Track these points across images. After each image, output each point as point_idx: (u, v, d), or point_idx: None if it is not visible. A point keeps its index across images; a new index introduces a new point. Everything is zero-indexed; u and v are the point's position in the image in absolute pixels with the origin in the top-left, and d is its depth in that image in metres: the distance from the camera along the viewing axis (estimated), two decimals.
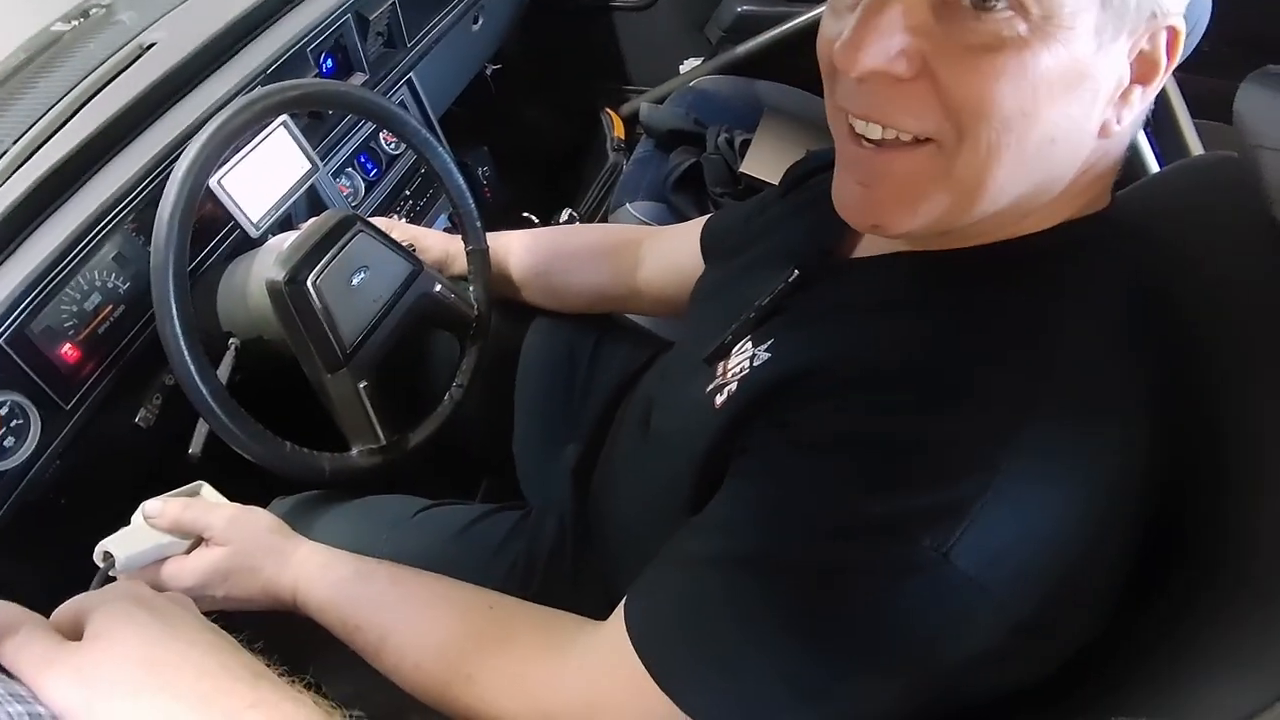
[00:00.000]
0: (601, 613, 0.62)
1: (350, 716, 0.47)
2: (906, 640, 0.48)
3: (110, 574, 0.69)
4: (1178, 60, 0.47)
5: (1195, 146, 1.22)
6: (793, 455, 0.53)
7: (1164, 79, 0.48)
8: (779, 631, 0.50)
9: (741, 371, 0.61)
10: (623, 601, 0.58)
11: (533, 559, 0.86)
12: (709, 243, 0.90)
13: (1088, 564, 0.49)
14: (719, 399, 0.61)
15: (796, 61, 1.65)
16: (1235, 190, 0.59)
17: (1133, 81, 0.48)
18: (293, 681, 0.48)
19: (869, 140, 0.51)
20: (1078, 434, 0.47)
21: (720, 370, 0.64)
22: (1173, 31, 0.47)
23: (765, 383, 0.58)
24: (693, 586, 0.55)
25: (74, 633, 0.48)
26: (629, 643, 0.55)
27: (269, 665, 0.49)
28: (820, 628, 0.49)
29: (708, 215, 0.93)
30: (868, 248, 0.64)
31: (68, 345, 0.80)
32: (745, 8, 1.77)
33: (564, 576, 0.85)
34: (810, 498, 0.51)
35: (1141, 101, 0.49)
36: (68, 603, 0.51)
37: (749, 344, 0.63)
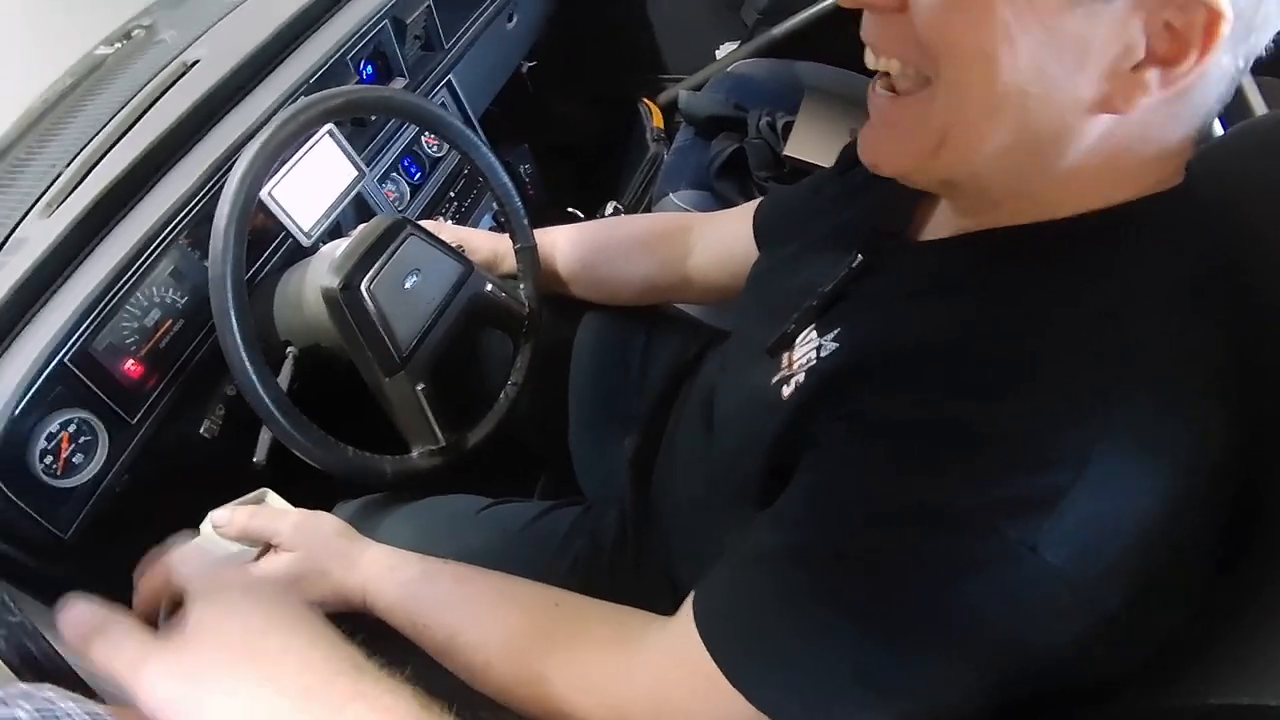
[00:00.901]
0: (667, 604, 0.61)
1: (450, 711, 0.47)
2: (988, 634, 0.46)
3: None
4: (1215, 50, 0.41)
5: (1259, 105, 1.17)
6: (867, 444, 0.51)
7: (1197, 67, 0.42)
8: (851, 625, 0.49)
9: (809, 362, 0.59)
10: (690, 597, 0.58)
11: (595, 553, 0.86)
12: (763, 227, 0.88)
13: (1178, 549, 0.47)
14: (786, 390, 0.59)
15: (835, 40, 1.62)
16: None
17: (1149, 60, 0.43)
18: (393, 674, 0.48)
19: (882, 90, 0.52)
20: (1163, 415, 0.45)
21: (785, 361, 0.62)
22: (1210, 12, 0.40)
23: (834, 373, 0.56)
24: (764, 581, 0.54)
25: (158, 599, 0.48)
26: (698, 639, 0.54)
27: (369, 658, 0.49)
28: (896, 621, 0.48)
29: (759, 199, 0.92)
30: (933, 230, 0.62)
31: (130, 361, 0.82)
32: None
33: (627, 569, 0.85)
34: (888, 486, 0.49)
35: (1162, 86, 0.43)
36: (160, 563, 0.51)
37: (814, 333, 0.61)
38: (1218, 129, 1.14)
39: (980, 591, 0.45)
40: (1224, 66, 0.44)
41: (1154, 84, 0.44)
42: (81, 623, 0.49)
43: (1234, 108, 1.22)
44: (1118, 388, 0.45)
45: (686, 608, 0.57)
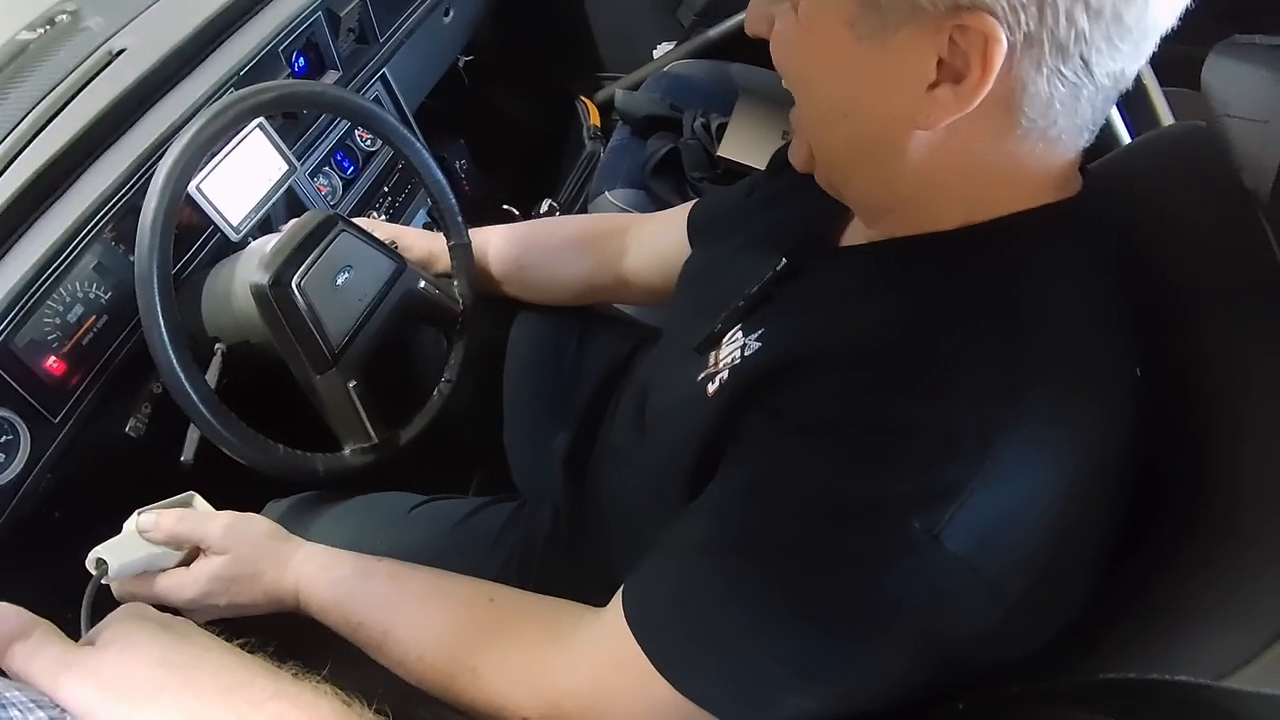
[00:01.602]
0: (601, 599, 0.63)
1: (369, 707, 0.48)
2: (900, 621, 0.48)
3: (103, 581, 0.69)
4: (996, 68, 0.45)
5: (1165, 115, 1.23)
6: (784, 440, 0.54)
7: (984, 83, 0.46)
8: (773, 613, 0.51)
9: (733, 361, 0.61)
10: (621, 589, 0.59)
11: (529, 549, 0.87)
12: (696, 226, 0.90)
13: (1078, 538, 0.50)
14: (711, 387, 0.61)
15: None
16: (1205, 159, 0.60)
17: (942, 78, 0.47)
18: (308, 676, 0.49)
19: None
20: (1064, 410, 0.48)
21: (712, 359, 0.64)
22: (982, 37, 0.44)
23: (756, 371, 0.58)
24: (688, 572, 0.56)
25: None
26: (629, 630, 0.55)
27: (281, 667, 0.50)
28: (813, 608, 0.50)
29: (693, 200, 0.93)
30: (851, 237, 0.65)
31: (53, 358, 0.80)
32: None
33: (561, 565, 0.86)
34: (801, 481, 0.51)
35: (959, 101, 0.47)
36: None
37: (739, 333, 0.63)
38: (1126, 137, 1.20)
39: (895, 580, 0.47)
40: (1043, 83, 0.47)
41: (950, 100, 0.48)
42: (1, 628, 0.48)
43: (1142, 117, 1.28)
44: (1018, 382, 0.47)
45: (617, 600, 0.59)
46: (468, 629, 0.66)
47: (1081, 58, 0.46)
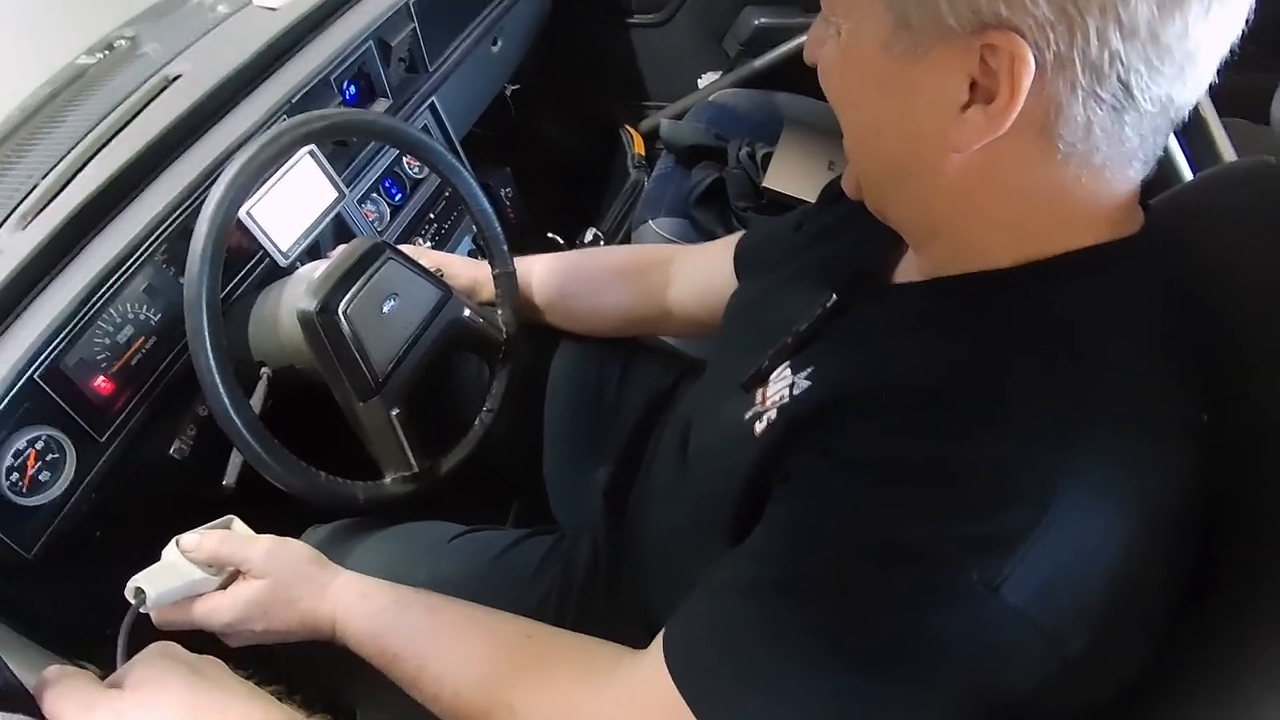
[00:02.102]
0: (639, 637, 0.61)
1: None
2: (955, 670, 0.46)
3: (141, 609, 0.69)
4: (1025, 89, 0.44)
5: (1226, 147, 1.20)
6: (834, 480, 0.52)
7: (1013, 104, 0.45)
8: (818, 659, 0.49)
9: (781, 400, 0.60)
10: (662, 632, 0.58)
11: (568, 583, 0.86)
12: (744, 258, 0.89)
13: (1142, 590, 0.47)
14: (759, 426, 0.60)
15: (816, 73, 1.64)
16: (1272, 195, 0.58)
17: (974, 99, 0.47)
18: None
19: None
20: (1127, 457, 0.46)
21: (759, 397, 0.63)
22: (1010, 56, 0.44)
23: (806, 410, 0.57)
24: (731, 615, 0.54)
25: None
26: (668, 673, 0.54)
27: (310, 716, 0.49)
28: (860, 656, 0.48)
29: (740, 232, 0.92)
30: (904, 273, 0.64)
31: (101, 378, 0.81)
32: (762, 20, 1.77)
33: (600, 601, 0.84)
34: (853, 522, 0.50)
35: (988, 120, 0.46)
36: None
37: (788, 370, 0.62)
38: (1187, 172, 1.17)
39: (946, 628, 0.46)
40: (1079, 106, 0.45)
41: (982, 122, 0.47)
42: (42, 681, 0.49)
43: (1202, 150, 1.25)
44: (1081, 429, 0.46)
45: (657, 643, 0.57)
46: (504, 666, 0.65)
47: (1120, 80, 0.44)
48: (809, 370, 0.60)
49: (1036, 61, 0.43)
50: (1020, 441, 0.46)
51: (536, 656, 0.66)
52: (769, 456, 0.57)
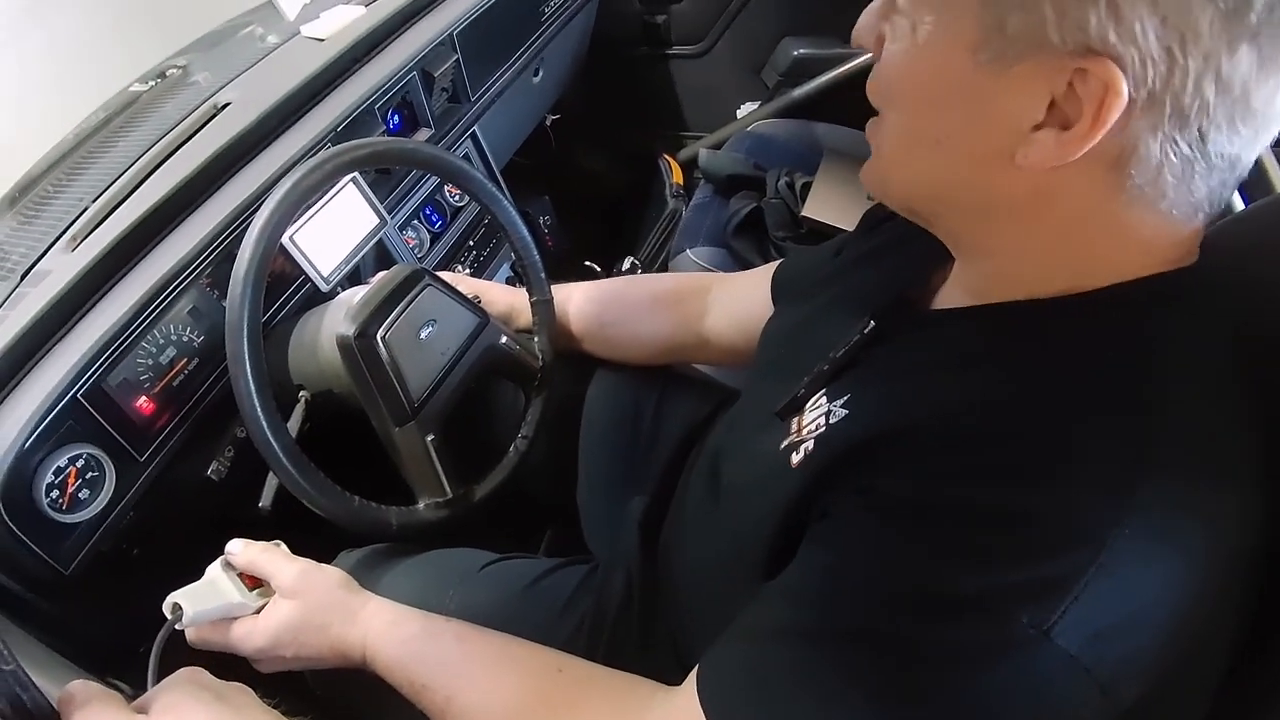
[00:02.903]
0: (672, 673, 0.60)
1: None
2: None
3: (177, 626, 0.69)
4: (1110, 122, 0.42)
5: (1278, 179, 1.17)
6: (876, 523, 0.50)
7: (1092, 134, 0.43)
8: (861, 706, 0.47)
9: (818, 429, 0.58)
10: (694, 671, 0.56)
11: (601, 616, 0.84)
12: (781, 285, 0.88)
13: (1201, 640, 0.45)
14: (795, 457, 0.59)
15: (855, 102, 1.63)
16: None
17: (1048, 121, 0.45)
18: None
19: None
20: (1187, 500, 0.44)
21: (795, 426, 0.61)
22: (1102, 85, 0.42)
23: (845, 444, 0.55)
24: (772, 658, 0.52)
25: None
26: (702, 714, 0.52)
27: None
28: (903, 707, 0.46)
29: (778, 260, 0.91)
30: (946, 299, 0.62)
31: (143, 398, 0.82)
32: (802, 51, 1.77)
33: (633, 634, 0.83)
34: (894, 565, 0.48)
35: (1059, 146, 0.44)
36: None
37: (823, 398, 0.60)
38: (1239, 204, 1.14)
39: (994, 678, 0.43)
40: (1156, 148, 0.44)
41: (1051, 146, 0.45)
42: (67, 697, 0.49)
43: (1254, 180, 1.22)
44: (1139, 472, 0.44)
45: (691, 680, 0.56)
46: (534, 700, 0.64)
47: (1199, 131, 0.43)
48: (845, 399, 0.58)
49: (1128, 96, 0.42)
50: (1077, 485, 0.44)
51: (567, 691, 0.65)
52: (806, 491, 0.56)
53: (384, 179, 1.12)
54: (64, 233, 0.92)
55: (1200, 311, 0.50)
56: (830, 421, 0.58)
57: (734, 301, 0.96)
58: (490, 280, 1.25)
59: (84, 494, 0.77)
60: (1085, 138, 0.43)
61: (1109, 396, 0.47)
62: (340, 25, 1.17)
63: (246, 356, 0.76)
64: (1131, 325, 0.49)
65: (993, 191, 0.50)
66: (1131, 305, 0.49)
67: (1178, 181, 0.45)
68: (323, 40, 1.16)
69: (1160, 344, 0.48)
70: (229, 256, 0.80)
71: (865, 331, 0.61)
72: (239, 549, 0.76)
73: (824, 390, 0.61)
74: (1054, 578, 0.42)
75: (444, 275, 0.94)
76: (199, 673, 0.54)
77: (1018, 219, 0.50)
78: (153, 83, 1.24)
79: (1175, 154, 0.44)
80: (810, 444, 0.58)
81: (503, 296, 1.07)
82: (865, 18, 0.53)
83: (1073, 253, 0.50)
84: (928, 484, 0.49)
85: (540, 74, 1.56)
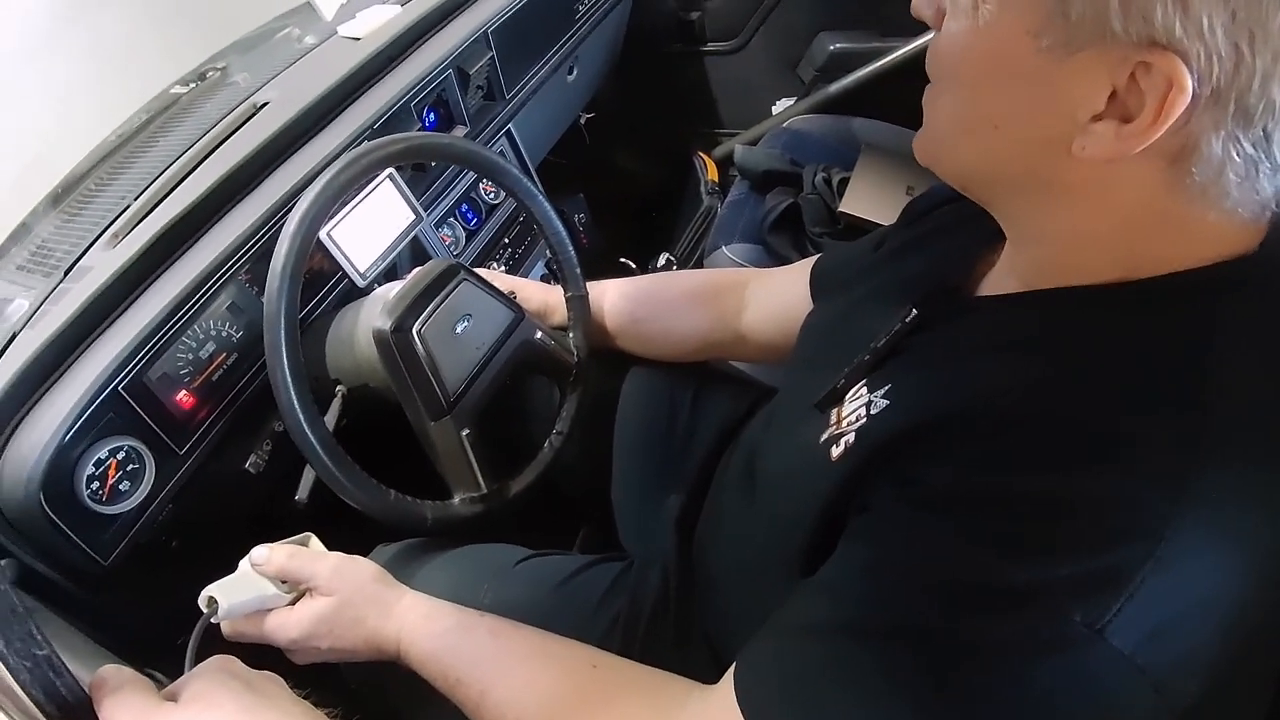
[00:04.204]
0: (707, 671, 0.59)
1: None
2: None
3: (213, 620, 0.69)
4: (1173, 118, 0.41)
5: None
6: (920, 516, 0.49)
7: (1153, 129, 0.42)
8: (905, 706, 0.46)
9: (859, 420, 0.57)
10: (732, 669, 0.55)
11: (635, 614, 0.84)
12: (820, 279, 0.87)
13: (1260, 640, 0.43)
14: (835, 450, 0.57)
15: (892, 97, 1.62)
16: None
17: (1109, 112, 0.43)
18: None
19: None
20: (1247, 493, 0.42)
21: (834, 418, 0.60)
22: (1166, 80, 0.40)
23: (887, 434, 0.54)
24: (811, 655, 0.51)
25: None
26: (740, 712, 0.51)
27: None
28: (946, 707, 0.44)
29: (816, 255, 0.90)
30: (992, 285, 0.60)
31: (183, 392, 0.83)
32: (838, 46, 1.76)
33: (668, 632, 0.82)
34: (939, 561, 0.47)
35: (1119, 139, 0.43)
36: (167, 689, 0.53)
37: (864, 389, 0.59)
38: None
39: (1044, 677, 0.42)
40: (1218, 145, 0.42)
41: (1109, 138, 0.43)
42: (99, 681, 0.50)
43: None
44: (1195, 463, 0.42)
45: (728, 679, 0.55)
46: (569, 695, 0.63)
47: (1264, 131, 0.41)
48: (886, 388, 0.57)
49: (1193, 92, 0.40)
50: (1131, 476, 0.43)
51: (601, 687, 0.64)
52: (847, 484, 0.55)
53: (420, 176, 1.13)
54: (106, 230, 0.93)
55: (1260, 300, 0.48)
56: (871, 412, 0.57)
57: (771, 297, 0.95)
58: (525, 278, 1.25)
59: (124, 486, 0.78)
60: (1146, 133, 0.42)
61: (1165, 386, 0.45)
62: (376, 24, 1.18)
63: (284, 350, 0.76)
64: (1189, 314, 0.47)
65: (1049, 177, 0.49)
66: (1190, 294, 0.48)
67: (1241, 180, 0.43)
68: (359, 39, 1.17)
69: (1219, 333, 0.46)
70: (267, 252, 0.80)
71: (907, 320, 0.60)
72: (263, 557, 0.73)
73: (864, 381, 0.60)
74: (1107, 572, 0.41)
75: (480, 271, 0.94)
76: (230, 660, 0.54)
77: (1073, 206, 0.49)
78: (193, 84, 1.26)
79: (1239, 153, 0.42)
80: (851, 436, 0.57)
81: (538, 293, 1.06)
82: None
83: (1129, 243, 0.49)
84: (972, 472, 0.47)
85: (574, 72, 1.56)
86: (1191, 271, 0.48)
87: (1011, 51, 0.46)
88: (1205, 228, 0.47)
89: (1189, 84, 0.40)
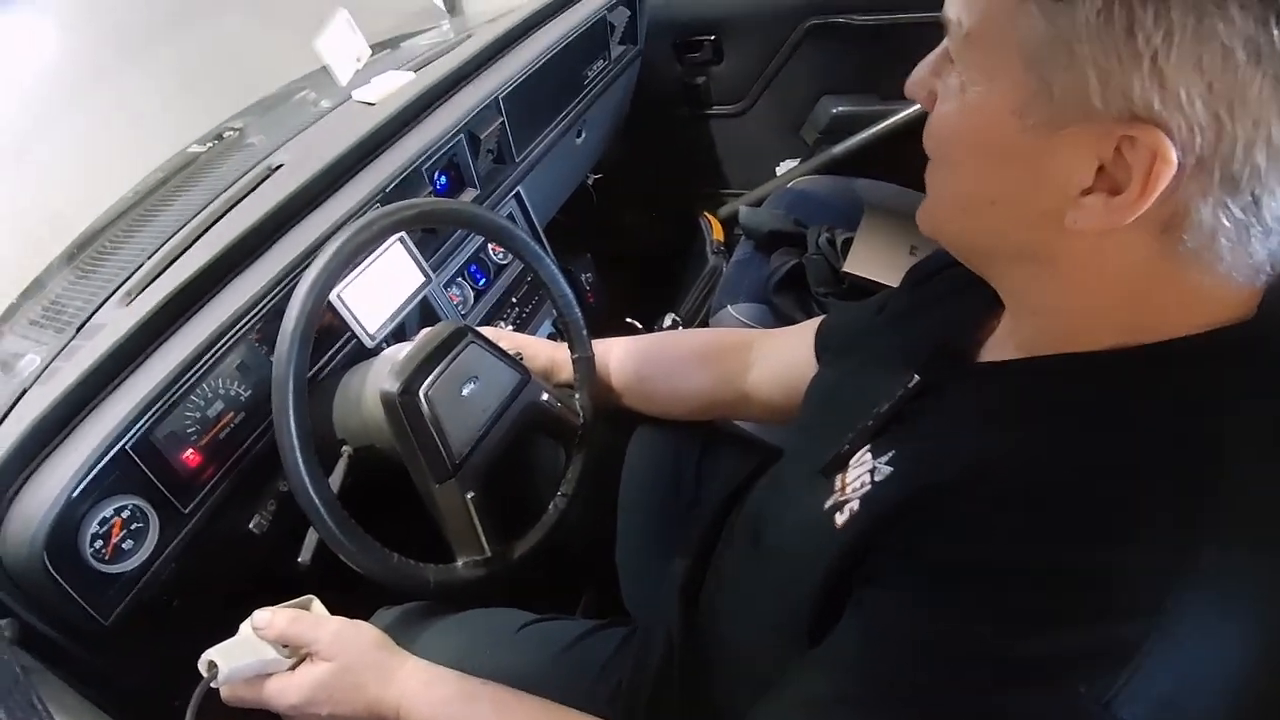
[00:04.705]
0: None
1: None
2: None
3: (212, 685, 0.69)
4: (1159, 189, 0.42)
5: None
6: (923, 587, 0.49)
7: (1141, 202, 0.43)
8: None
9: (863, 487, 0.57)
10: None
11: (639, 680, 0.82)
12: (825, 341, 0.87)
13: (1267, 713, 0.43)
14: (840, 517, 0.57)
15: (894, 158, 1.64)
16: None
17: (1097, 186, 0.45)
18: None
19: None
20: (1253, 565, 0.42)
21: (839, 484, 0.60)
22: (1150, 153, 0.41)
23: (890, 502, 0.54)
24: None
25: None
26: None
27: None
28: None
29: (821, 316, 0.91)
30: (994, 351, 0.61)
31: (190, 450, 0.83)
32: (840, 109, 1.79)
33: (672, 700, 0.81)
34: (946, 637, 0.46)
35: (1109, 212, 0.44)
36: None
37: (868, 454, 0.59)
38: None
39: None
40: (1208, 212, 0.43)
41: (1099, 211, 0.44)
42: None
43: None
44: (1203, 533, 0.42)
45: None
46: None
47: (1253, 195, 0.42)
48: (890, 454, 0.57)
49: (1177, 163, 0.41)
50: (1136, 548, 0.42)
51: None
52: (851, 553, 0.54)
53: (430, 237, 1.14)
54: (119, 287, 0.95)
55: (1261, 367, 0.48)
56: (875, 479, 0.57)
57: (776, 357, 0.95)
58: (532, 336, 1.26)
59: (128, 544, 0.78)
60: (1135, 205, 0.43)
61: (1168, 457, 0.45)
62: (390, 90, 1.21)
63: (291, 410, 0.77)
64: (1190, 381, 0.47)
65: (1044, 250, 0.50)
66: (1189, 361, 0.48)
67: (1233, 245, 0.44)
68: (373, 104, 1.19)
69: (1220, 401, 0.47)
70: (278, 313, 0.81)
71: (910, 385, 0.60)
72: (265, 621, 0.73)
73: (868, 446, 0.60)
74: (1113, 645, 0.41)
75: (486, 330, 0.95)
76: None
77: (1070, 277, 0.50)
78: (210, 144, 1.29)
79: (1228, 218, 0.43)
80: (855, 503, 0.57)
81: (544, 350, 1.07)
82: (918, 72, 0.54)
83: (1126, 311, 0.49)
84: (976, 545, 0.47)
85: (583, 135, 1.59)
86: (1191, 338, 0.48)
87: (999, 131, 0.47)
88: (1202, 293, 0.47)
89: (1173, 155, 0.41)
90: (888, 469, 0.56)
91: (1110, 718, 0.40)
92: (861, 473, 0.58)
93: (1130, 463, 0.45)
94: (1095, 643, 0.41)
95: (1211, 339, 0.48)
